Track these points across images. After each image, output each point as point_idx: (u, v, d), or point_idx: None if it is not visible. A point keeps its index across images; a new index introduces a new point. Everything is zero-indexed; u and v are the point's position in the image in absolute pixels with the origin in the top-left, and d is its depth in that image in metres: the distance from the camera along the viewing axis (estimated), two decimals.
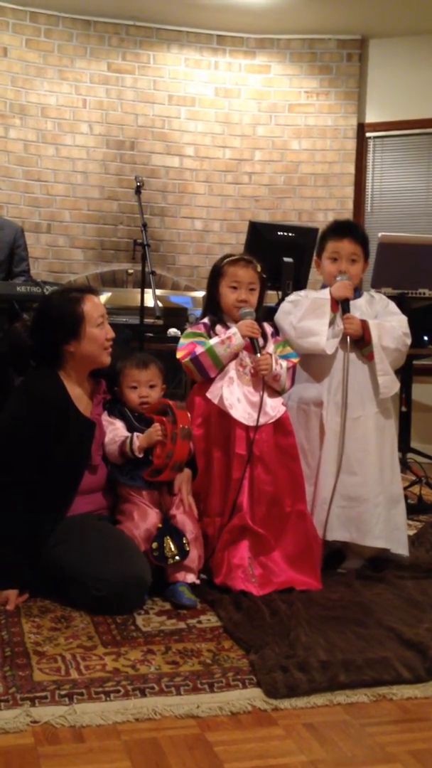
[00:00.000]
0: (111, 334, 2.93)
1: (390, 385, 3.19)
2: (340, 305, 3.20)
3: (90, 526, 2.78)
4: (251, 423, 2.94)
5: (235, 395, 2.98)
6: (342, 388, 3.14)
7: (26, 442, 2.74)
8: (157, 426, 2.88)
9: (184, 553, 2.78)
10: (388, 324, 3.23)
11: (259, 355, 3.00)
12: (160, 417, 2.92)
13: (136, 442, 2.87)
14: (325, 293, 3.25)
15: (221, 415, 2.97)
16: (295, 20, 6.17)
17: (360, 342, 3.19)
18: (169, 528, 2.82)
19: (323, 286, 3.36)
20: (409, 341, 3.27)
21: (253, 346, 3.02)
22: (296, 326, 3.19)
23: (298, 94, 6.51)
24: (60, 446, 2.76)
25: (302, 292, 3.43)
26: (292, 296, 3.39)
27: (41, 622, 2.55)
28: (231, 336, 3.02)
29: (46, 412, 2.77)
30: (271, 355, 3.04)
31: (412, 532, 3.62)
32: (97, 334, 2.88)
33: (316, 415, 3.18)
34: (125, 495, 2.93)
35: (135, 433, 2.91)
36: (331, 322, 3.18)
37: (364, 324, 3.18)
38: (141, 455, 2.88)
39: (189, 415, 2.98)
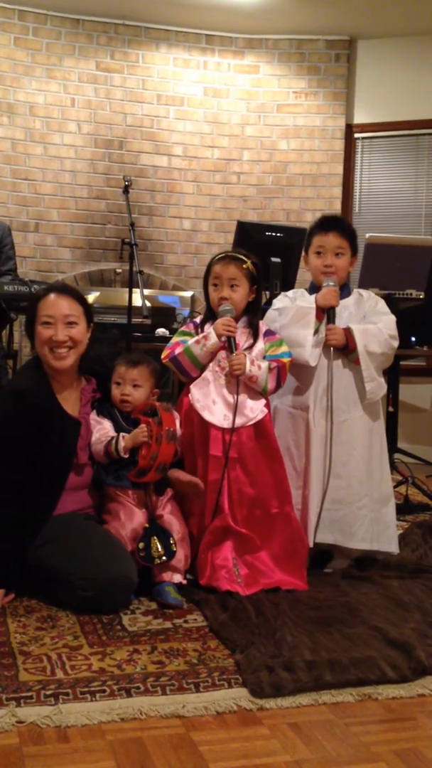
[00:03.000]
0: (59, 337, 2.79)
1: (376, 390, 3.17)
2: (326, 313, 3.17)
3: (77, 526, 2.78)
4: (227, 425, 2.92)
5: (210, 397, 2.96)
6: (327, 392, 3.13)
7: (11, 442, 2.73)
8: (143, 427, 2.88)
9: (170, 553, 2.78)
10: (374, 327, 3.19)
11: (233, 355, 2.96)
12: (146, 418, 2.91)
13: (122, 443, 2.87)
14: (311, 301, 3.22)
15: (202, 417, 2.96)
16: (283, 20, 6.18)
17: (345, 349, 3.17)
18: (155, 528, 2.82)
19: (311, 284, 3.35)
20: (396, 343, 3.24)
21: (229, 346, 2.97)
22: (281, 335, 3.14)
23: (287, 94, 6.51)
24: (45, 445, 2.75)
25: (290, 293, 3.41)
26: (278, 302, 3.35)
27: (27, 622, 2.55)
28: (206, 335, 2.99)
29: (30, 411, 2.76)
30: (245, 355, 2.97)
31: (398, 532, 3.63)
32: (40, 333, 2.81)
33: (303, 419, 3.16)
34: (112, 494, 2.93)
35: (121, 434, 2.90)
36: (316, 331, 3.14)
37: (348, 332, 3.14)
38: (126, 456, 2.87)
39: (176, 416, 2.97)
